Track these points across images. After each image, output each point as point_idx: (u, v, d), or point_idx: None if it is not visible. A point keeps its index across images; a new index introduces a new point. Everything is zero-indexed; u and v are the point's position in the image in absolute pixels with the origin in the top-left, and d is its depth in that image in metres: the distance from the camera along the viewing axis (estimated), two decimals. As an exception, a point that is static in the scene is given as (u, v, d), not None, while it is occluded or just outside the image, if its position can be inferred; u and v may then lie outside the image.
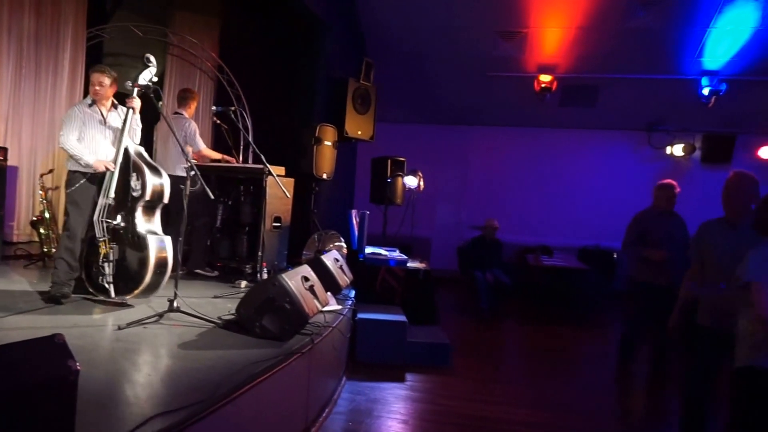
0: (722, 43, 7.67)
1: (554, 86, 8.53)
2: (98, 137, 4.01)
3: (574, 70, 8.50)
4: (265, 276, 4.71)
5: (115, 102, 4.14)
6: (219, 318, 3.73)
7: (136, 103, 4.04)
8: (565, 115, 9.49)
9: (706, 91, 8.10)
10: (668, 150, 9.43)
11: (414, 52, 8.58)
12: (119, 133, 3.99)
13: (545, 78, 8.50)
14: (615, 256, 9.09)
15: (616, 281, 8.79)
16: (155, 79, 4.03)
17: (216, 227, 5.33)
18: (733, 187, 3.44)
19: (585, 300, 8.04)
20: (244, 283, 4.82)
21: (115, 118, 4.11)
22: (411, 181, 7.68)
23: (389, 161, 7.48)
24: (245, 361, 2.91)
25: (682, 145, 9.27)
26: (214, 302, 4.35)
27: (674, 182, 5.34)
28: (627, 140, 9.67)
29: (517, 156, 10.05)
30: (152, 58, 4.01)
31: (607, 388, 5.34)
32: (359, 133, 7.06)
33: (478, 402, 4.51)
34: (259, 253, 4.79)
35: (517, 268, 8.85)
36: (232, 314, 3.73)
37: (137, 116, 4.09)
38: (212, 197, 3.84)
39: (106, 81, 3.98)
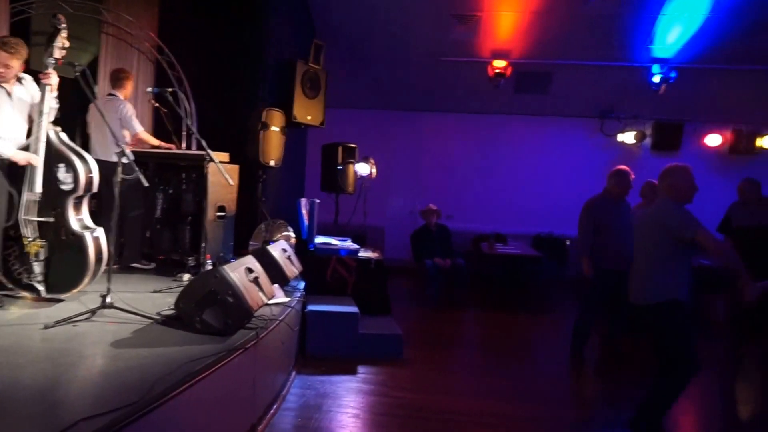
0: (672, 31, 7.77)
1: (508, 72, 8.48)
2: (8, 111, 3.63)
3: (528, 56, 8.47)
4: (209, 268, 4.47)
5: (20, 74, 3.73)
6: (157, 313, 3.49)
7: (53, 79, 3.61)
8: (519, 102, 9.49)
9: (656, 79, 8.21)
10: (620, 137, 9.56)
11: (366, 36, 8.38)
12: (37, 116, 3.62)
13: (499, 64, 8.44)
14: (568, 243, 9.18)
15: (569, 268, 8.87)
16: (67, 44, 3.61)
17: (156, 218, 5.02)
18: None
19: (539, 287, 8.10)
20: (186, 277, 4.56)
21: (21, 90, 3.73)
22: (363, 169, 7.51)
23: (340, 148, 7.29)
24: (184, 359, 2.70)
25: (634, 133, 9.41)
26: (153, 297, 4.09)
27: (628, 168, 5.37)
28: (580, 127, 9.75)
29: (471, 143, 10.00)
30: (61, 18, 3.58)
31: (562, 374, 5.35)
32: (309, 118, 6.83)
33: (431, 393, 4.44)
34: (203, 245, 4.54)
35: (471, 256, 8.82)
36: (172, 309, 3.49)
37: (54, 94, 3.66)
38: (146, 185, 3.57)
39: (14, 63, 3.59)
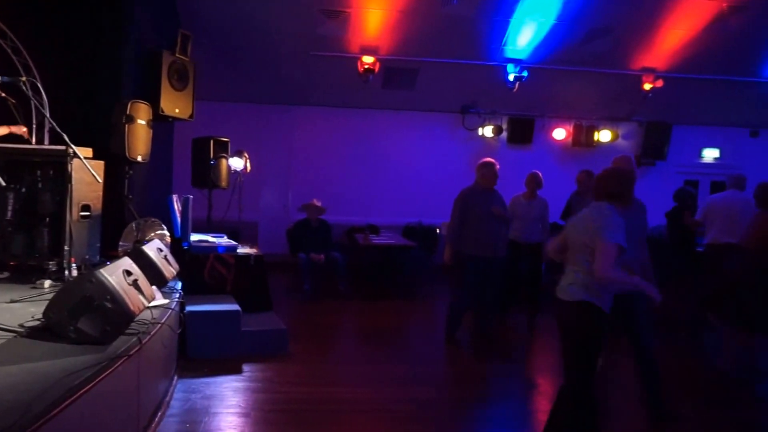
0: (523, 34, 8.46)
1: (377, 68, 8.71)
2: None
3: (395, 52, 8.74)
4: (75, 273, 4.12)
5: None
6: (20, 325, 3.16)
7: None
8: (387, 97, 9.76)
9: (511, 77, 8.89)
10: (480, 131, 10.21)
11: (235, 28, 8.13)
12: None
13: (368, 59, 8.62)
14: (438, 231, 9.64)
15: (439, 255, 9.33)
16: None
17: (6, 220, 4.51)
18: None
19: (412, 275, 8.43)
20: (48, 283, 4.15)
21: None
22: (237, 163, 7.32)
23: (212, 142, 7.05)
24: (61, 372, 2.48)
25: (492, 127, 10.10)
26: (11, 308, 3.67)
27: (494, 160, 5.78)
28: (444, 122, 10.27)
29: (342, 137, 10.13)
30: None
31: (438, 357, 5.65)
32: (177, 111, 6.49)
33: (317, 385, 4.50)
34: (66, 248, 4.15)
35: (347, 247, 8.97)
36: (39, 319, 3.18)
37: None
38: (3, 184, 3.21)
39: None
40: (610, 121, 10.38)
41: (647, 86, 9.16)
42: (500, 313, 6.53)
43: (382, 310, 7.37)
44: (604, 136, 10.27)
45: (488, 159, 5.81)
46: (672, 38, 8.59)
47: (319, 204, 8.09)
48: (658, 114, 10.27)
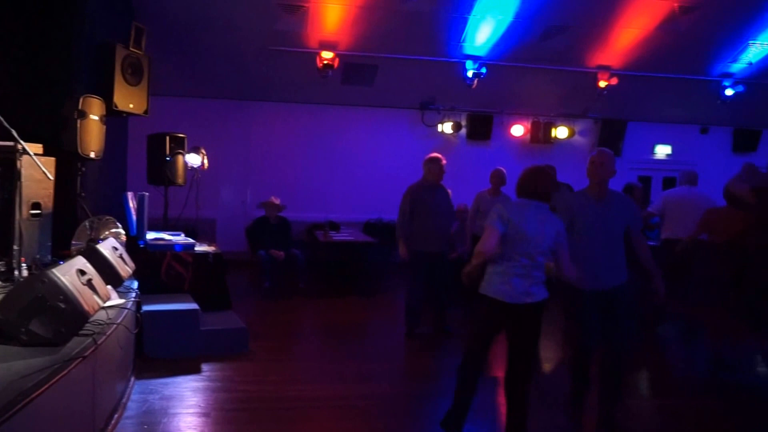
0: (482, 31, 8.58)
1: (336, 64, 8.68)
2: None
3: (354, 48, 8.73)
4: (25, 273, 3.98)
5: None
6: (-34, 329, 3.04)
7: None
8: (347, 93, 9.75)
9: (470, 74, 9.00)
10: (439, 127, 10.30)
11: (192, 21, 7.98)
12: None
13: (327, 55, 8.59)
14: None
15: (398, 251, 9.36)
16: None
17: (-51, 218, 4.31)
18: (598, 163, 3.70)
19: (373, 271, 8.46)
20: (-5, 284, 4.01)
21: None
22: (194, 160, 7.17)
23: (168, 138, 6.89)
24: (12, 376, 2.39)
25: (451, 123, 10.20)
26: (-46, 310, 3.54)
27: (441, 155, 5.84)
28: (404, 118, 10.32)
29: (301, 133, 10.06)
30: None
31: (398, 352, 5.71)
32: (131, 106, 6.32)
33: (277, 383, 4.49)
34: (15, 247, 4.01)
35: (307, 245, 8.93)
36: (-16, 322, 3.07)
37: None
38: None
39: None
40: (566, 117, 10.63)
41: (602, 84, 9.42)
42: (465, 307, 6.62)
43: (342, 307, 7.38)
44: (561, 132, 10.51)
45: (435, 154, 5.89)
46: (626, 37, 8.86)
47: (277, 202, 8.02)
48: (613, 111, 10.57)
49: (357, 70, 9.21)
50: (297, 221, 8.95)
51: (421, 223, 5.67)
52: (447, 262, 5.84)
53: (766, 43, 9.15)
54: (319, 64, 8.65)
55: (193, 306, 5.05)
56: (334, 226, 9.25)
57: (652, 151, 11.46)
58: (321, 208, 9.85)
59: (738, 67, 9.73)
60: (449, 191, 6.07)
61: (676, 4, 8.19)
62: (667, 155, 11.47)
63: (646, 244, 3.79)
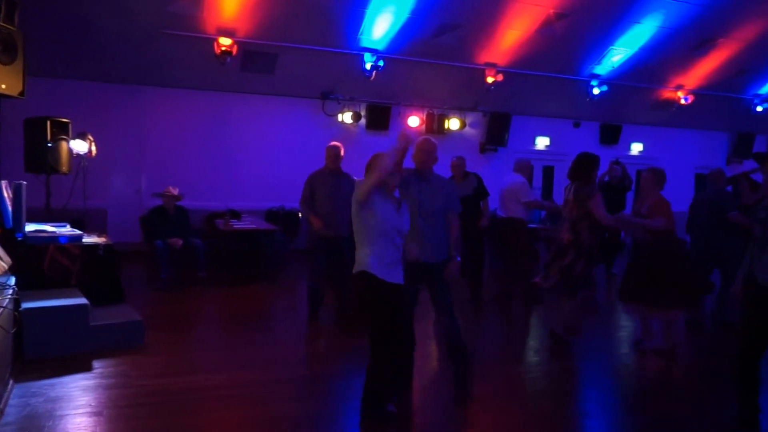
0: (379, 25, 8.75)
1: (235, 50, 8.50)
2: None
3: (254, 36, 8.59)
4: None
5: None
6: None
7: None
8: (246, 81, 9.57)
9: (368, 66, 9.16)
10: (339, 117, 10.38)
11: (75, -2, 7.47)
12: None
13: (225, 41, 8.39)
14: (300, 215, 9.69)
15: (301, 238, 9.41)
16: None
17: None
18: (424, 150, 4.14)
19: (275, 258, 8.43)
20: None
21: None
22: (80, 146, 6.78)
23: (49, 122, 6.47)
24: None
25: (351, 113, 10.32)
26: None
27: (338, 143, 5.99)
28: (304, 107, 10.29)
29: (199, 120, 9.76)
30: None
31: (301, 337, 5.77)
32: (3, 87, 5.85)
33: (176, 375, 4.40)
34: None
35: (207, 233, 8.73)
36: None
37: None
38: None
39: None
40: (458, 110, 11.10)
41: (490, 80, 9.98)
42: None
43: (244, 295, 7.32)
44: (453, 124, 10.97)
45: (333, 142, 6.06)
46: (510, 37, 9.43)
47: (175, 192, 7.77)
48: (499, 105, 11.20)
49: (257, 57, 9.07)
50: (196, 210, 8.72)
51: (320, 208, 5.81)
52: (349, 246, 5.97)
53: (624, 49, 10.13)
54: (217, 51, 8.43)
55: (81, 301, 4.83)
56: (235, 215, 9.11)
57: (533, 142, 12.30)
58: (221, 196, 9.64)
59: (603, 69, 10.69)
60: (355, 179, 6.17)
61: (552, 10, 8.85)
62: (546, 146, 12.39)
63: (458, 226, 4.18)
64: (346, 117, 10.31)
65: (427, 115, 10.91)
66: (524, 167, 7.08)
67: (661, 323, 5.43)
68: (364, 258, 3.43)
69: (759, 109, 12.55)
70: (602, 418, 4.12)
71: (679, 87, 11.69)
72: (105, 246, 5.65)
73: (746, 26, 10.06)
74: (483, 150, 11.52)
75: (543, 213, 8.92)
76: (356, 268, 3.47)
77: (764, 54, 10.98)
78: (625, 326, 6.39)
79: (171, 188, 7.81)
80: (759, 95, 12.49)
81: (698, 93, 11.78)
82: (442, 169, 6.85)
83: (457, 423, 3.89)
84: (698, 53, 10.66)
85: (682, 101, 11.78)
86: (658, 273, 5.03)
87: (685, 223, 6.48)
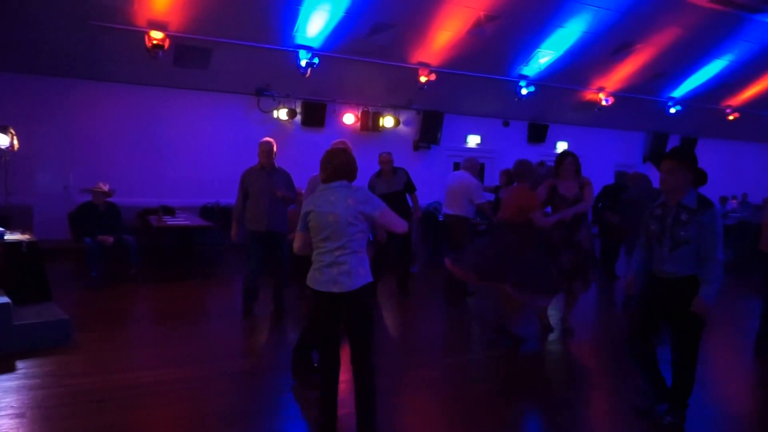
0: (314, 22, 8.86)
1: (167, 44, 8.41)
2: None
3: (186, 30, 8.52)
4: None
5: None
6: None
7: None
8: (180, 76, 9.48)
9: (303, 63, 9.25)
10: (275, 114, 10.42)
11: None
12: None
13: (157, 35, 8.30)
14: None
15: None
16: None
17: None
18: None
19: (210, 255, 8.42)
20: None
21: None
22: (1, 140, 6.62)
23: (-32, 117, 6.28)
24: None
25: (286, 110, 10.37)
26: None
27: (271, 140, 6.07)
28: (239, 103, 10.27)
29: (131, 115, 9.59)
30: None
31: (235, 332, 5.78)
32: None
33: (107, 374, 4.37)
34: None
35: (140, 230, 8.63)
36: None
37: None
38: None
39: None
40: (393, 108, 11.36)
41: (423, 79, 10.27)
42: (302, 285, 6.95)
43: (178, 292, 7.30)
44: (388, 122, 11.21)
45: (266, 138, 6.09)
46: (442, 38, 9.74)
47: (105, 188, 7.66)
48: (432, 104, 11.53)
49: (190, 52, 8.99)
50: (128, 206, 8.61)
51: (254, 205, 5.89)
52: (284, 242, 6.08)
53: (551, 51, 10.67)
54: (149, 44, 8.32)
55: (2, 299, 4.76)
56: (169, 211, 9.02)
57: (465, 140, 12.74)
58: (154, 192, 9.54)
59: (531, 70, 11.20)
60: (290, 174, 6.24)
61: (482, 13, 9.21)
62: (477, 144, 12.86)
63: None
64: (282, 114, 10.36)
65: (362, 113, 11.10)
66: (474, 166, 7.36)
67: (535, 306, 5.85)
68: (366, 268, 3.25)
69: (672, 110, 13.45)
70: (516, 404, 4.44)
71: (601, 89, 12.38)
72: (29, 243, 5.56)
73: (661, 33, 10.79)
74: (417, 147, 11.84)
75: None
76: (364, 281, 3.21)
77: (678, 59, 11.80)
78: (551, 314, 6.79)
79: (101, 184, 7.69)
80: (672, 98, 13.39)
81: (618, 95, 12.51)
82: (372, 164, 7.19)
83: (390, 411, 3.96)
84: (618, 57, 11.33)
85: (604, 102, 12.48)
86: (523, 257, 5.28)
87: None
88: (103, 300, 6.72)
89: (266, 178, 5.90)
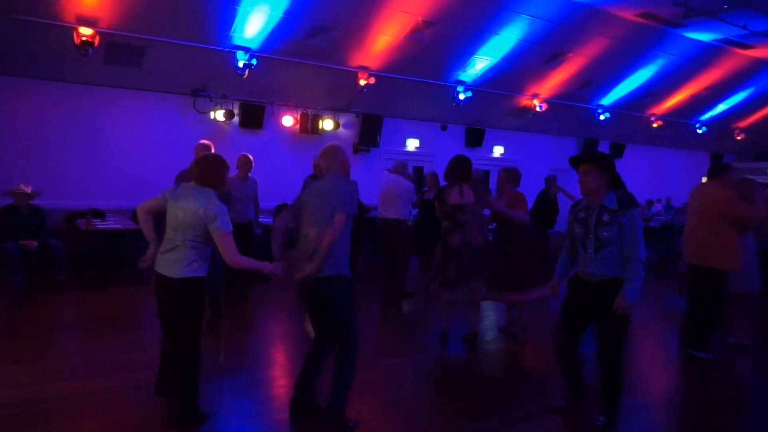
0: (252, 23, 8.77)
1: (97, 41, 8.11)
2: None
3: (118, 27, 8.23)
4: None
5: None
6: None
7: None
8: (111, 74, 9.13)
9: (241, 64, 9.13)
10: (212, 115, 10.21)
11: None
12: None
13: (86, 31, 7.98)
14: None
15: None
16: None
17: None
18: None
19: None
20: None
21: None
22: None
23: None
24: None
25: (224, 111, 10.18)
26: None
27: (208, 142, 5.99)
28: (174, 104, 9.99)
29: (59, 113, 9.14)
30: None
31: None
32: None
33: (29, 385, 4.24)
34: None
35: (67, 234, 8.27)
36: None
37: None
38: None
39: None
40: (332, 111, 11.36)
41: (362, 82, 10.34)
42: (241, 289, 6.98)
43: (107, 299, 7.09)
44: (327, 124, 11.19)
45: (203, 140, 6.04)
46: (381, 42, 9.85)
47: (28, 190, 7.32)
48: (371, 107, 11.61)
49: (122, 50, 8.68)
50: (54, 209, 8.24)
51: None
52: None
53: (487, 58, 11.00)
54: (77, 41, 7.99)
55: None
56: (98, 214, 8.70)
57: (404, 144, 12.88)
58: (83, 195, 9.14)
59: (468, 76, 11.50)
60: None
61: (420, 18, 9.39)
62: (416, 148, 13.03)
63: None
64: (219, 115, 10.17)
65: (302, 115, 11.05)
66: (405, 170, 7.59)
67: (512, 307, 6.09)
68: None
69: (602, 117, 14.09)
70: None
71: (535, 96, 12.82)
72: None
73: (591, 43, 11.30)
74: (356, 150, 11.89)
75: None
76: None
77: (607, 69, 12.39)
78: (489, 315, 7.00)
79: (23, 186, 7.35)
80: (602, 105, 14.03)
81: (551, 102, 12.99)
82: (311, 167, 7.21)
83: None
84: (551, 65, 11.77)
85: (538, 108, 12.93)
86: (511, 260, 5.63)
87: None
88: (26, 307, 6.47)
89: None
